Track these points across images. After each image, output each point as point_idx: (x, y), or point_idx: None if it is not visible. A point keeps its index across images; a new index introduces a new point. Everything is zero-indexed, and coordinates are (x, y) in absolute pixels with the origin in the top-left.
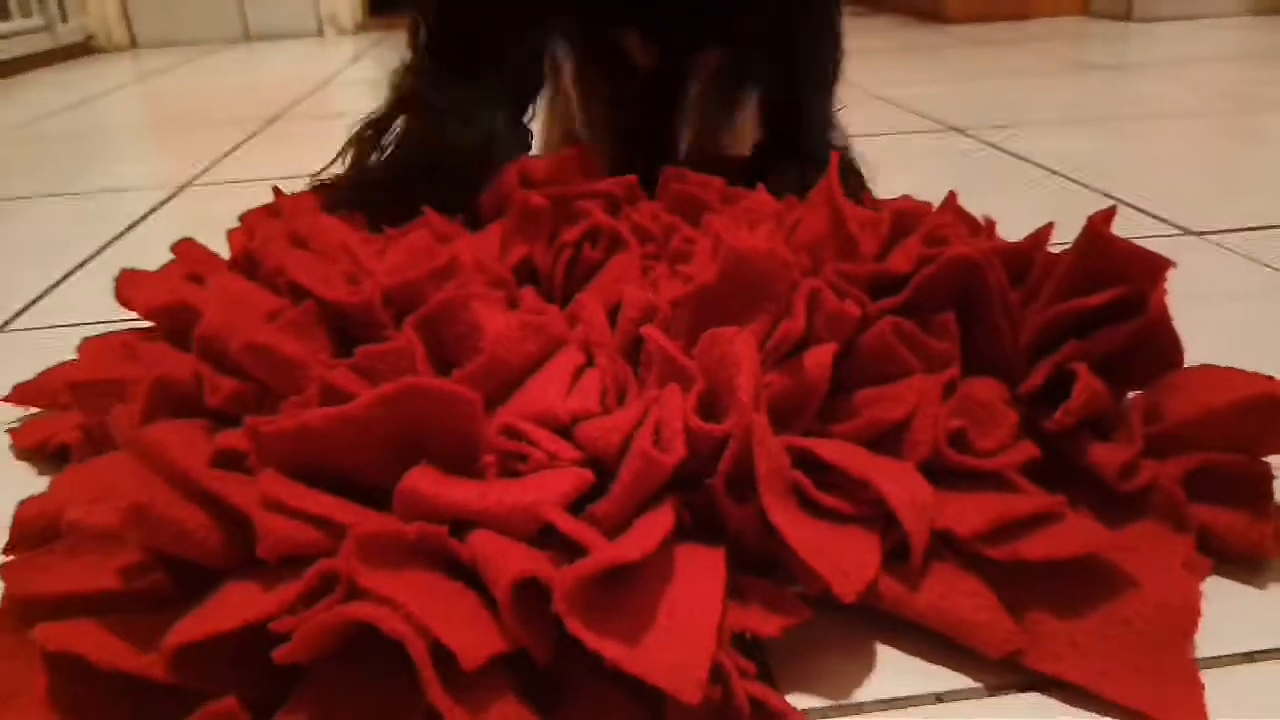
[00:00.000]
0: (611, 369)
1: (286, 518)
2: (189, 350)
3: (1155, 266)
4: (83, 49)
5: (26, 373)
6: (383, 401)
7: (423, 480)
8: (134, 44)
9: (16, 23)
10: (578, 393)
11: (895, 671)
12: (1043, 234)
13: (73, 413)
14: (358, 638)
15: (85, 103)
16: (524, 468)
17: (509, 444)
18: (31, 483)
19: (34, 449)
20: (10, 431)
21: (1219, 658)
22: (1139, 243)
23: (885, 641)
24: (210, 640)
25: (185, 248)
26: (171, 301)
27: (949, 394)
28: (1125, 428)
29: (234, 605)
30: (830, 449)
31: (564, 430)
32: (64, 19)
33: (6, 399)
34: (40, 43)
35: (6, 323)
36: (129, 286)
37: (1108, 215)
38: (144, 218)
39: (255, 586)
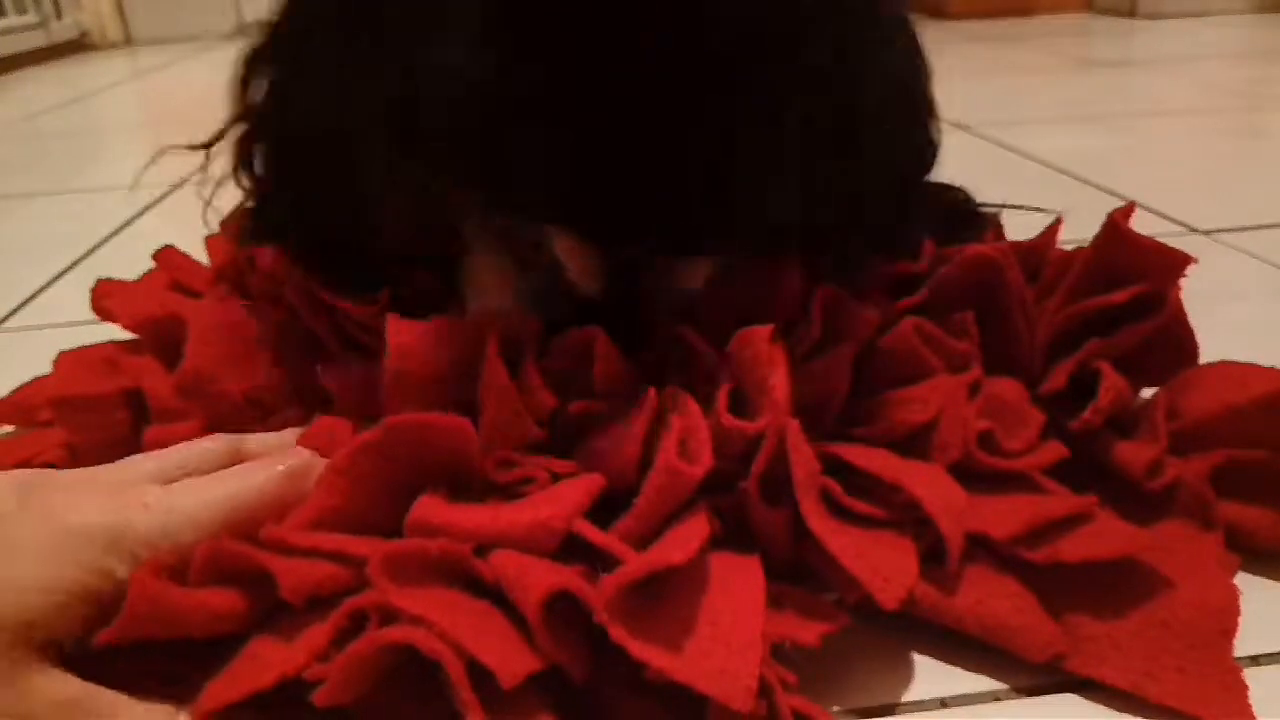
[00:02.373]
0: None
1: (301, 558)
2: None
3: (1175, 262)
4: (77, 46)
5: (22, 372)
6: (365, 450)
7: (431, 510)
8: (129, 40)
9: (10, 19)
10: (530, 391)
11: (899, 676)
12: (1052, 230)
13: (54, 430)
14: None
15: (80, 100)
16: (530, 489)
17: (507, 475)
18: None
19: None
20: None
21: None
22: None
23: (888, 645)
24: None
25: (167, 255)
26: (160, 314)
27: (973, 394)
28: (1148, 425)
29: (266, 660)
30: (859, 454)
31: (541, 446)
32: (58, 16)
33: None
34: (34, 39)
35: (1, 321)
36: (106, 297)
37: (1127, 211)
38: (139, 215)
39: (283, 637)
